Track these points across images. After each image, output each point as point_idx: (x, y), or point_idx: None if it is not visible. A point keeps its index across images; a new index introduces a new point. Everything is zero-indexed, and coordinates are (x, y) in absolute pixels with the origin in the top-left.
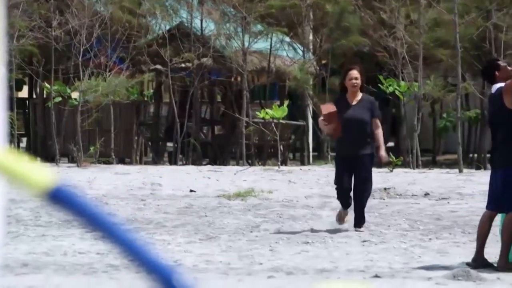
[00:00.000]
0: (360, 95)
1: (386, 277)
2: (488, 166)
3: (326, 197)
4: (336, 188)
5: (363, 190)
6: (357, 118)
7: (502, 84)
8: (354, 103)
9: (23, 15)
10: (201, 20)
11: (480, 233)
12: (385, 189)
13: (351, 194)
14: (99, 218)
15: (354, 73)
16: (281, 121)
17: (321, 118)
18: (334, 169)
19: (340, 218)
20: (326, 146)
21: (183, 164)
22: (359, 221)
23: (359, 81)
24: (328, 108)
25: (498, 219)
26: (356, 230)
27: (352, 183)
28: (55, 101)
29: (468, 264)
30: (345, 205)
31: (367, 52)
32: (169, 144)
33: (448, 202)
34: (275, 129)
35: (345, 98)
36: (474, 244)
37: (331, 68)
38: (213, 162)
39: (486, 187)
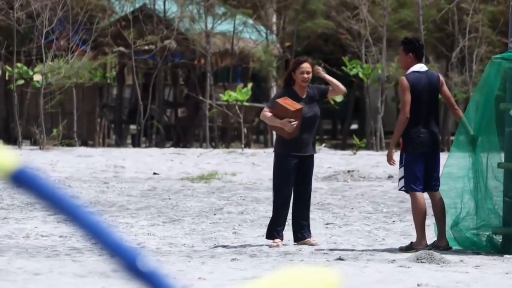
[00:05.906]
0: (306, 88)
1: (350, 260)
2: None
3: None
4: (280, 191)
5: (309, 192)
6: (310, 114)
7: (422, 68)
8: (304, 96)
9: None
10: (164, 2)
11: (423, 217)
12: (348, 171)
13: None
14: (62, 200)
15: (307, 66)
16: (244, 103)
17: (269, 115)
18: None
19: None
20: None
21: (146, 147)
22: (309, 230)
23: (310, 76)
24: (289, 102)
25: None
26: (311, 244)
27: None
28: (17, 84)
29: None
30: (281, 224)
31: (331, 34)
32: (132, 126)
33: None
34: (238, 111)
35: (294, 91)
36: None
37: (295, 50)
38: (176, 144)
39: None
